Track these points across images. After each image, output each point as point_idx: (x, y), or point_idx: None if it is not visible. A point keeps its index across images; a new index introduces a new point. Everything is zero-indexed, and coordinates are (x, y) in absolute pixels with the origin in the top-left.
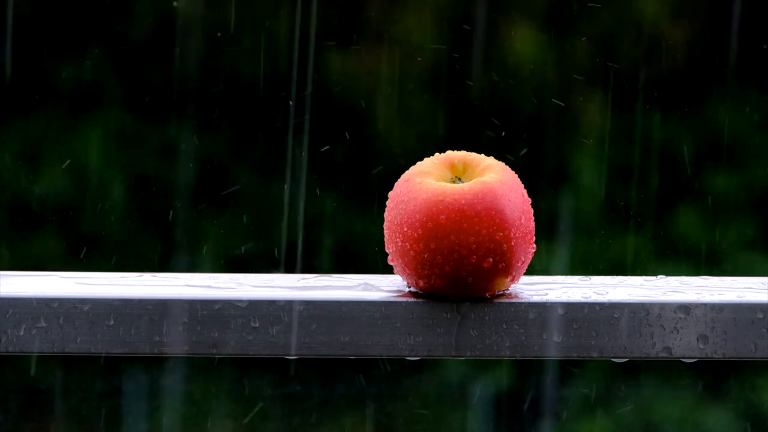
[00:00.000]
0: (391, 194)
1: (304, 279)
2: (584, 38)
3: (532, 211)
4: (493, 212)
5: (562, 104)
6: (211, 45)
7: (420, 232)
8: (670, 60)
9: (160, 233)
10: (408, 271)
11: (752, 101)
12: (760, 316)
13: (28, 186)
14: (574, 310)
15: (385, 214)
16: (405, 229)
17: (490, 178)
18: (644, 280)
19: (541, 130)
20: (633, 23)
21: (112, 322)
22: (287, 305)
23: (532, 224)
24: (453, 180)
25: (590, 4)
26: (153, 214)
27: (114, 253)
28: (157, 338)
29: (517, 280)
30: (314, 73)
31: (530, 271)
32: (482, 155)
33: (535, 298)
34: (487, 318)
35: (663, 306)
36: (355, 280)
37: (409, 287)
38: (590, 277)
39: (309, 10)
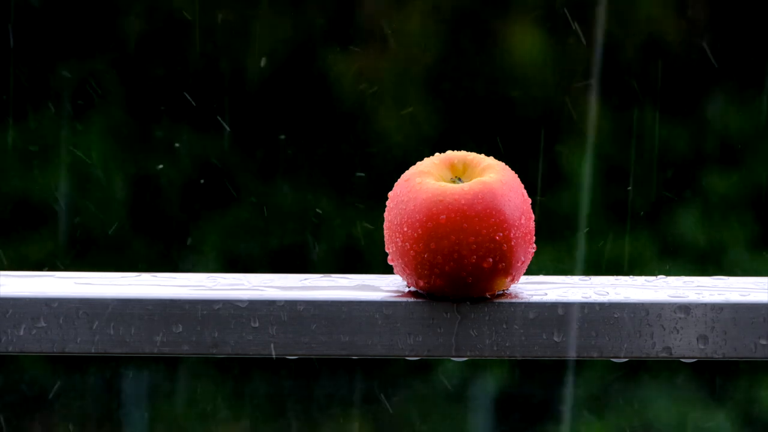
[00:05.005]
0: (390, 194)
1: (304, 279)
2: (584, 38)
3: (532, 211)
4: (493, 212)
5: (562, 104)
6: (211, 44)
7: (420, 232)
8: (669, 60)
9: (159, 233)
10: (408, 271)
11: (752, 101)
12: (761, 316)
13: (28, 185)
14: (574, 310)
15: (385, 214)
16: (405, 229)
17: (490, 178)
18: (644, 280)
19: (540, 130)
20: (632, 23)
21: (112, 322)
22: (287, 305)
23: (532, 224)
24: (453, 180)
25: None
26: (153, 213)
27: (114, 253)
28: (157, 338)
29: (517, 280)
30: (314, 73)
31: (529, 272)
32: (482, 155)
33: (535, 298)
34: (487, 318)
35: (663, 306)
36: (355, 280)
37: (409, 287)
38: (590, 277)
39: (309, 10)
